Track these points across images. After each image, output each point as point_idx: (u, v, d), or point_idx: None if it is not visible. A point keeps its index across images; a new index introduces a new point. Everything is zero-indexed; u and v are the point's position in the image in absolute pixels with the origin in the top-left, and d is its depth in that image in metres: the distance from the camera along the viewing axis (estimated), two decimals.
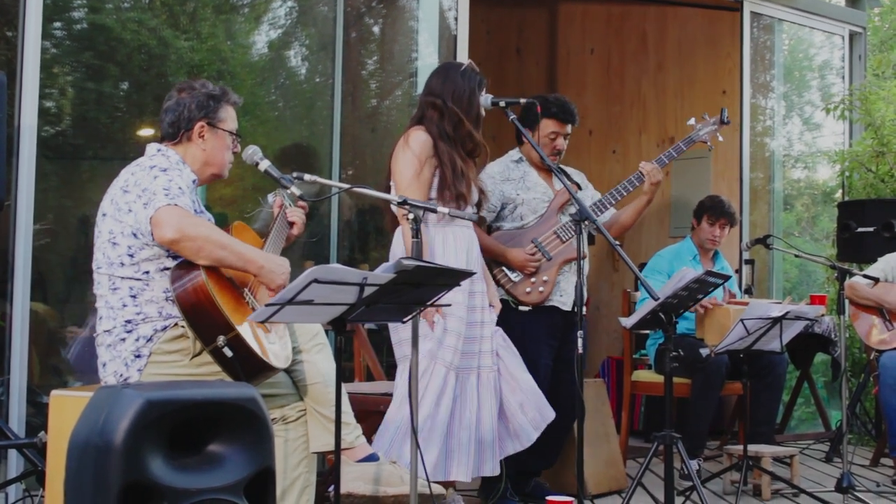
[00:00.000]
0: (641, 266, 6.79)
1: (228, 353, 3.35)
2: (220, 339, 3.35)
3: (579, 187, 5.24)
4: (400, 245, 4.50)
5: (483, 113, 4.59)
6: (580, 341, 4.22)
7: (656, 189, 5.27)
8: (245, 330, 3.40)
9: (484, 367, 4.55)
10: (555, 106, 5.22)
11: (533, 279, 5.08)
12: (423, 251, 3.59)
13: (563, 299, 5.19)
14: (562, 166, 5.21)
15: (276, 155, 6.10)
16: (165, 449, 2.80)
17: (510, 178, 5.20)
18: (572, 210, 5.20)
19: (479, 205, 4.72)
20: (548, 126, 5.20)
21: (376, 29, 7.27)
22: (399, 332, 4.45)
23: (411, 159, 4.44)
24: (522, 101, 4.88)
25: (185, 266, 3.45)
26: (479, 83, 4.58)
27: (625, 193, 5.27)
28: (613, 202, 5.26)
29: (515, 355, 4.71)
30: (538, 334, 5.09)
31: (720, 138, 5.46)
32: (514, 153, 5.33)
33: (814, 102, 9.08)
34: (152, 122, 5.87)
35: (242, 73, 6.32)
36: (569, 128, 5.27)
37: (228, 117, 3.81)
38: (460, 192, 4.44)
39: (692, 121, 5.45)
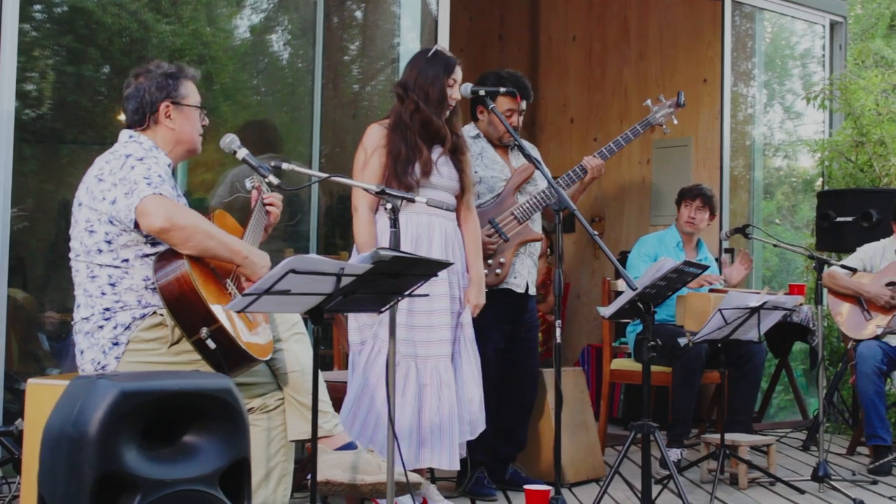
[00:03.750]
0: (622, 254, 6.81)
1: (212, 344, 3.35)
2: (204, 331, 3.35)
3: (537, 165, 5.21)
4: (380, 234, 4.49)
5: (455, 97, 4.58)
6: (558, 331, 4.24)
7: (593, 182, 5.30)
8: (227, 321, 3.40)
9: (439, 355, 4.51)
10: (510, 82, 5.16)
11: (489, 261, 5.04)
12: (399, 241, 3.59)
13: (517, 281, 5.17)
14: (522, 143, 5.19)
15: (253, 141, 6.06)
16: (140, 440, 2.80)
17: None
18: (529, 189, 5.20)
19: (463, 189, 4.68)
20: (503, 103, 5.14)
21: (358, 14, 7.25)
22: (358, 319, 4.46)
23: (360, 152, 4.54)
24: (502, 90, 4.89)
25: (169, 256, 3.44)
26: (446, 67, 4.56)
27: (567, 186, 5.24)
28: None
29: (473, 364, 4.66)
30: (491, 317, 4.93)
31: (675, 121, 5.45)
32: (471, 129, 5.27)
33: (795, 91, 9.10)
34: None
35: (224, 58, 6.30)
36: (524, 104, 5.23)
37: (190, 92, 3.79)
38: (403, 181, 4.42)
39: (648, 102, 5.45)
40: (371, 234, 4.45)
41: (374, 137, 4.52)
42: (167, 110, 3.73)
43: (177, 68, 3.80)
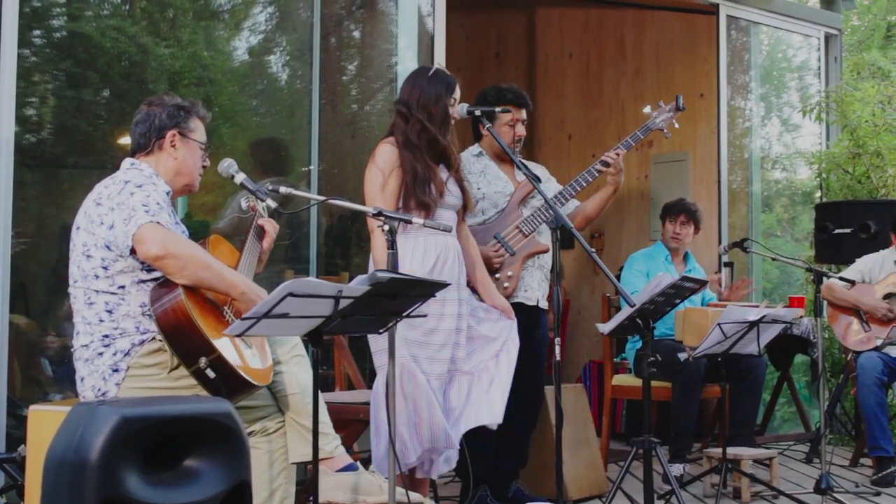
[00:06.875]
0: (621, 270, 6.83)
1: (211, 374, 3.37)
2: (202, 361, 3.36)
3: (539, 180, 5.23)
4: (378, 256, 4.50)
5: (455, 117, 4.60)
6: (557, 348, 4.25)
7: (620, 178, 5.28)
8: (226, 349, 3.41)
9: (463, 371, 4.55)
10: (510, 93, 5.23)
11: (497, 275, 5.02)
12: (398, 262, 3.59)
13: (528, 294, 5.16)
14: (523, 161, 5.21)
15: (251, 164, 6.08)
16: (141, 465, 2.81)
17: (471, 172, 5.12)
18: (534, 203, 5.21)
19: (465, 207, 4.71)
20: (505, 117, 5.16)
21: (356, 34, 7.27)
22: (378, 343, 4.46)
23: (375, 173, 4.46)
24: (497, 109, 4.91)
25: (165, 286, 3.46)
26: (447, 86, 4.57)
27: (584, 185, 5.23)
28: (574, 193, 5.22)
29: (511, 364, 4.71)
30: None
31: (676, 125, 5.44)
32: (474, 148, 5.31)
33: (792, 104, 9.12)
34: None
35: (223, 80, 6.31)
36: (524, 113, 5.27)
37: (198, 129, 3.86)
38: (422, 201, 4.40)
39: (647, 109, 5.46)
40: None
41: (390, 157, 4.47)
42: (173, 139, 3.78)
43: (190, 104, 3.87)
